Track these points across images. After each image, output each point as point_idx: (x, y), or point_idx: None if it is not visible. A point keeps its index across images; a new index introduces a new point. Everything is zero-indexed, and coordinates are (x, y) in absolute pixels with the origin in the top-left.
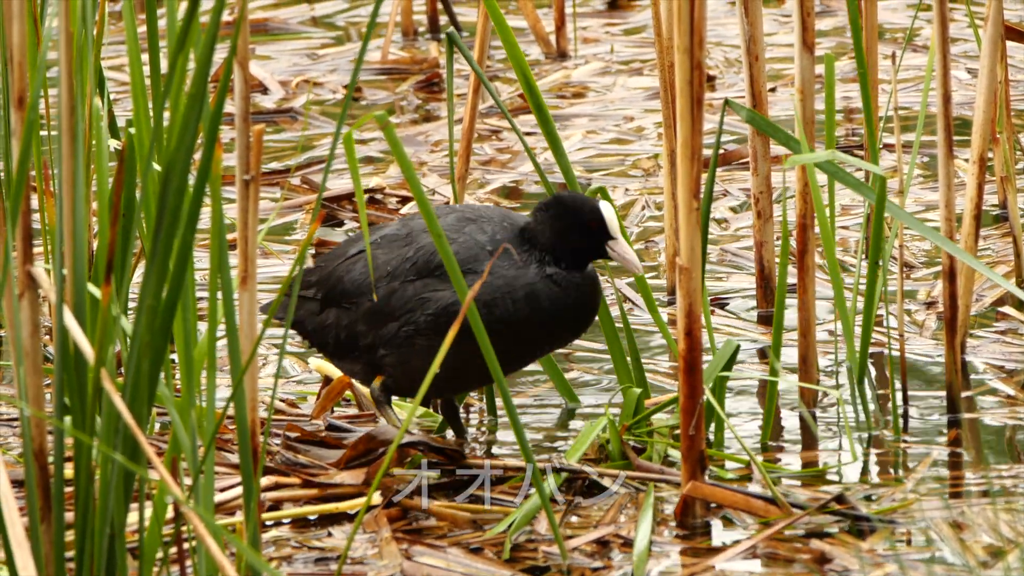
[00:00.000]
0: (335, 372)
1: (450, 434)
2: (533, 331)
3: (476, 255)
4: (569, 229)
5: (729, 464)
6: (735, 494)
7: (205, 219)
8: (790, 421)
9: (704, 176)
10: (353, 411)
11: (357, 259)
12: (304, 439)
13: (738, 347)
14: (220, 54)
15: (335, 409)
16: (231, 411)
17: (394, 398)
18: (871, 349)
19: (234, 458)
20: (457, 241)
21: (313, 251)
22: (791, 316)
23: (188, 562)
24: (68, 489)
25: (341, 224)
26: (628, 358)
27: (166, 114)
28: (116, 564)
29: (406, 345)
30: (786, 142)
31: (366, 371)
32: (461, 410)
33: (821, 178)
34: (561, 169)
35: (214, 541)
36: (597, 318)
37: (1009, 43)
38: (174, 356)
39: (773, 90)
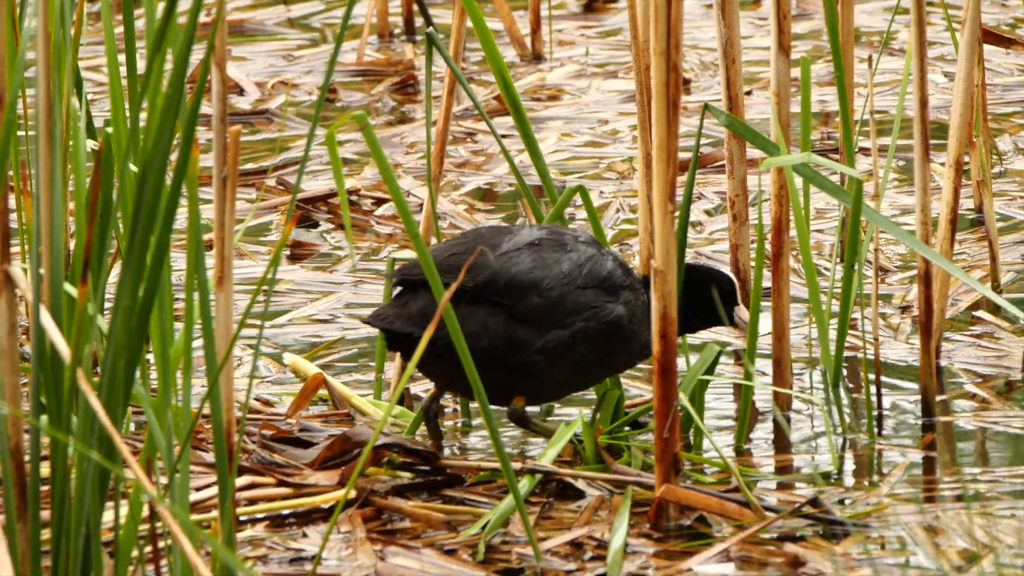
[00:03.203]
0: (309, 370)
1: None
2: (634, 351)
3: (620, 272)
4: (708, 299)
5: (705, 467)
6: (709, 497)
7: (181, 220)
8: (765, 424)
9: (680, 179)
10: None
11: (522, 252)
12: (279, 438)
13: (720, 351)
14: (197, 55)
15: (311, 408)
16: (207, 410)
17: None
18: (846, 353)
19: (209, 457)
20: (610, 256)
21: (288, 252)
22: (766, 319)
23: (163, 561)
24: (44, 488)
25: (316, 225)
26: None
27: (143, 114)
28: (92, 562)
29: (567, 353)
30: (764, 147)
31: (511, 386)
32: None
33: (797, 181)
34: (537, 171)
35: (189, 540)
36: None
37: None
38: (150, 356)
39: (749, 93)
